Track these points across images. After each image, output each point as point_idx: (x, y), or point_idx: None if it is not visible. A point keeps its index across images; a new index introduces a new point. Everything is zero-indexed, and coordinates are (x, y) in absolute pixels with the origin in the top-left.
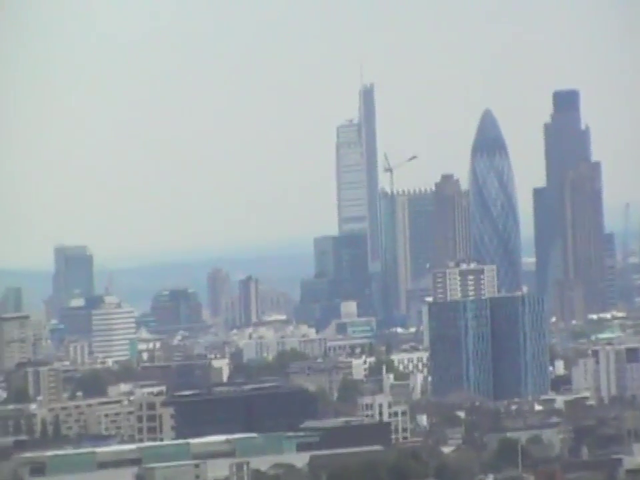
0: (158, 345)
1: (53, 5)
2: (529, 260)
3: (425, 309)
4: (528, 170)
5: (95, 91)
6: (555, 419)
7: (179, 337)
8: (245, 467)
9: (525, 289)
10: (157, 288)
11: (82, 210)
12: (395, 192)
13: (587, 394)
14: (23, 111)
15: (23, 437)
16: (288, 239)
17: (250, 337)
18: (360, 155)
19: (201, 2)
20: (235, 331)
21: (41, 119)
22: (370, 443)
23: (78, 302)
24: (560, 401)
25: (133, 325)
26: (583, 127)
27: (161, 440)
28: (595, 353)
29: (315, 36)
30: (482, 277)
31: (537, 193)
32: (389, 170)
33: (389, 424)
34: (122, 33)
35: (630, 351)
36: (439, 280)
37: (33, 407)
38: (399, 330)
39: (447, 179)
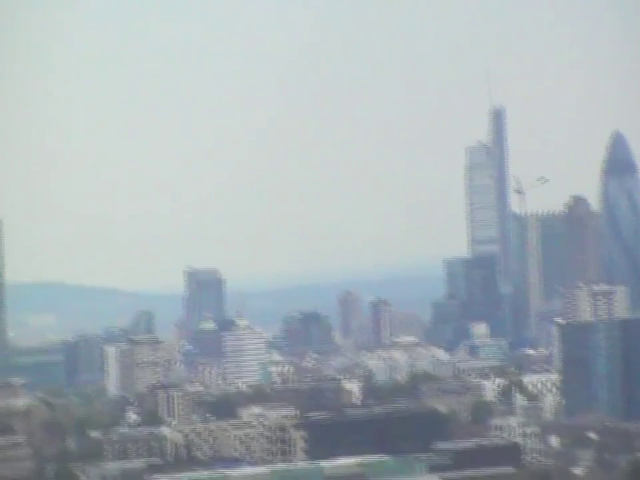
0: (289, 367)
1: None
2: None
3: (555, 330)
4: None
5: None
6: None
7: (310, 359)
8: None
9: None
10: (288, 310)
11: (213, 233)
12: (525, 213)
13: None
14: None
15: (156, 460)
16: (419, 261)
17: (381, 358)
18: (490, 176)
19: (329, 16)
20: (365, 352)
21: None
22: (501, 464)
23: (209, 325)
24: None
25: (264, 347)
26: None
27: (293, 462)
28: None
29: (444, 57)
30: (613, 297)
31: None
32: (519, 191)
33: (520, 445)
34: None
35: None
36: (570, 301)
37: (165, 429)
38: (530, 351)
39: (577, 200)
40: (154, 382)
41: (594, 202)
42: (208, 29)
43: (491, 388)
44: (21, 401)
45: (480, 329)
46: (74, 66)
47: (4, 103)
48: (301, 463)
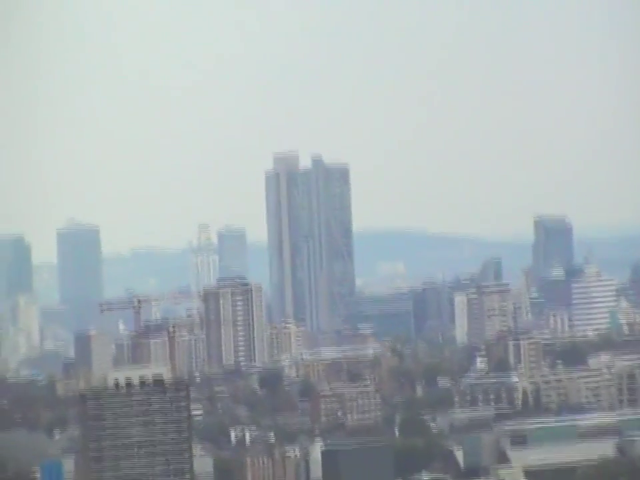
0: (638, 316)
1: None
2: None
3: None
4: None
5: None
6: None
7: None
8: None
9: None
10: (636, 258)
11: (562, 180)
12: None
13: None
14: None
15: (504, 408)
16: None
17: None
18: None
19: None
20: None
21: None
22: None
23: (557, 273)
24: None
25: (613, 295)
26: None
27: None
28: None
29: None
30: None
31: None
32: None
33: None
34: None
35: None
36: None
37: (514, 377)
38: None
39: None
40: (502, 330)
41: None
42: None
43: None
44: (370, 349)
45: None
46: None
47: None
48: None
